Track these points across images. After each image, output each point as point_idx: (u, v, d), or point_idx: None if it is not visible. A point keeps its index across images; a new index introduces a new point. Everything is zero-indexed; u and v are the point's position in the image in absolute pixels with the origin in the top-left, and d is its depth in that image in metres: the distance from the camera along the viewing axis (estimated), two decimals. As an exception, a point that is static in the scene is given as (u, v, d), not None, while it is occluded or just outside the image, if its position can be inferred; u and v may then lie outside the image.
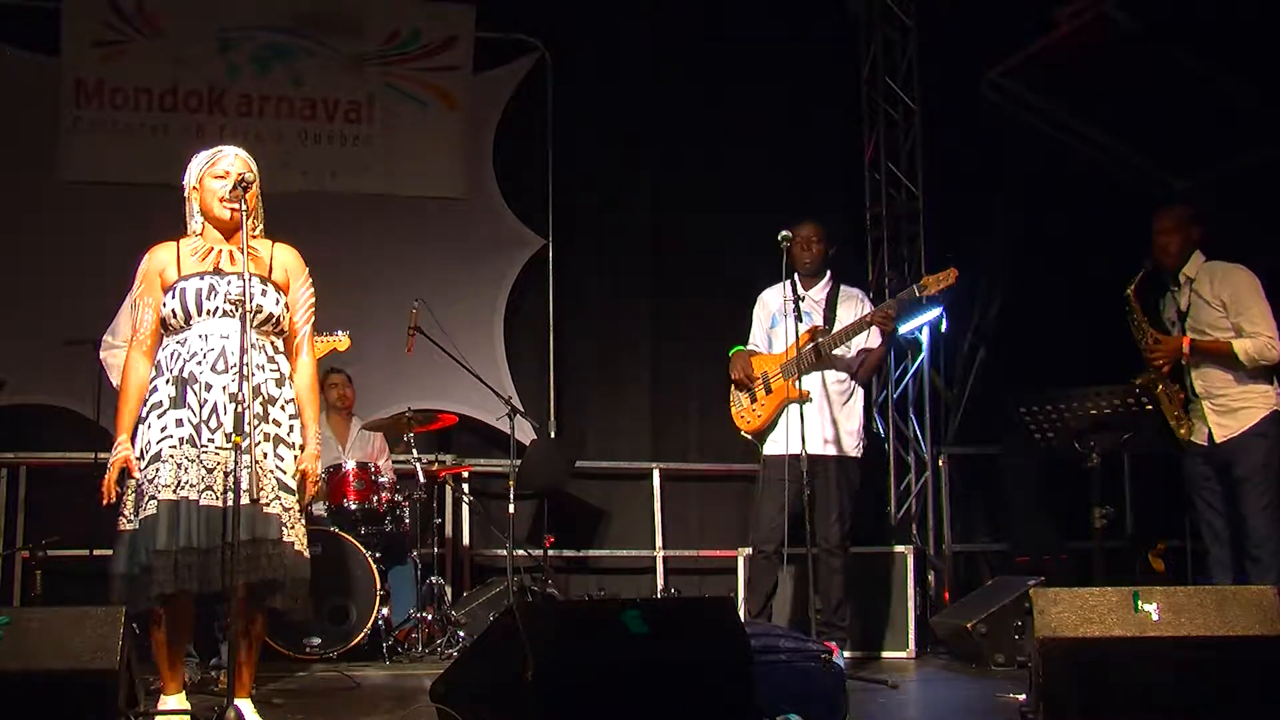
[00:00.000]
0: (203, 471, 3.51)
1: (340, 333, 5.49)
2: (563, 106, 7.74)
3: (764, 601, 5.29)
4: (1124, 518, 7.52)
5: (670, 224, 7.87)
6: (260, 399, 3.61)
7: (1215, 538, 4.97)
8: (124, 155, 7.16)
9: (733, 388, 5.55)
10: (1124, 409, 4.55)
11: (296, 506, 3.64)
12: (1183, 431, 4.95)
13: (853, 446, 5.43)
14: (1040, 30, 6.96)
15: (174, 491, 3.48)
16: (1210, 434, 4.92)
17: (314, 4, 7.50)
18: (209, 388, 3.56)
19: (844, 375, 5.43)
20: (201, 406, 3.56)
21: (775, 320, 5.54)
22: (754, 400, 5.46)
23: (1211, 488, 4.96)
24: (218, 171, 3.70)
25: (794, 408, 5.16)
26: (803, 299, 5.37)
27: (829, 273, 5.56)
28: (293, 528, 3.62)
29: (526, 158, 7.73)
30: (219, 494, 3.50)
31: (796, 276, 5.48)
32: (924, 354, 7.76)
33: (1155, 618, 3.53)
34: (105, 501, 3.61)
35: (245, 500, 3.36)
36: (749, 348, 5.60)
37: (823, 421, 5.32)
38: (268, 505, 3.55)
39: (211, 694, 4.47)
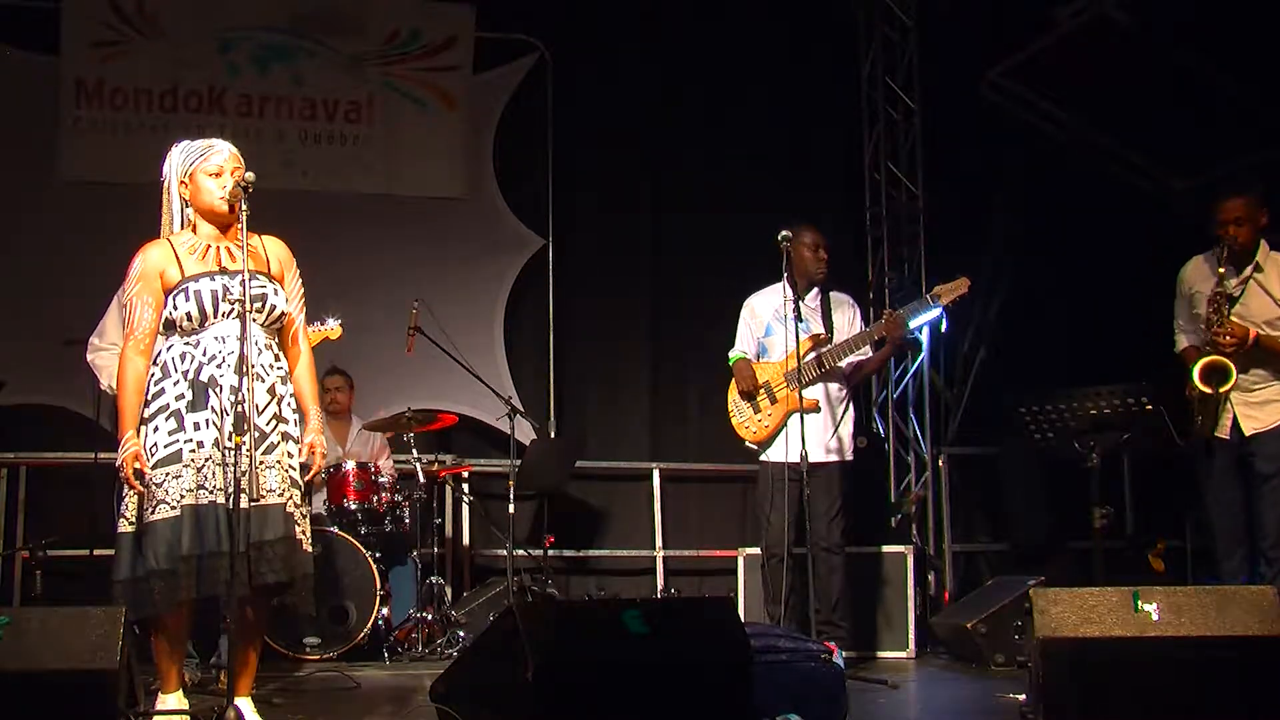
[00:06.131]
0: (230, 475, 3.45)
1: (331, 321, 5.30)
2: (563, 106, 7.73)
3: (784, 605, 5.22)
4: (1124, 518, 7.52)
5: (670, 224, 7.87)
6: (274, 398, 3.61)
7: (1230, 536, 4.85)
8: (124, 155, 7.13)
9: (735, 398, 5.54)
10: (1124, 409, 4.54)
11: (302, 502, 3.65)
12: (1207, 424, 4.82)
13: (850, 451, 5.47)
14: (1040, 30, 6.97)
15: (196, 496, 3.46)
16: (1236, 425, 4.80)
17: (314, 4, 7.49)
18: (233, 390, 3.49)
19: (841, 383, 5.45)
20: (224, 412, 3.50)
21: (770, 329, 5.52)
22: (758, 411, 5.45)
23: (1229, 483, 4.85)
24: (211, 169, 3.63)
25: (797, 416, 5.18)
26: (801, 304, 5.36)
27: None
28: (301, 524, 3.63)
29: (526, 158, 7.72)
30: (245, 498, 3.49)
31: (791, 281, 5.45)
32: (924, 354, 7.76)
33: (1155, 618, 3.53)
34: (137, 490, 3.50)
35: (245, 502, 3.35)
36: (736, 352, 5.61)
37: (827, 429, 5.34)
38: (286, 504, 3.56)
39: (211, 694, 4.47)
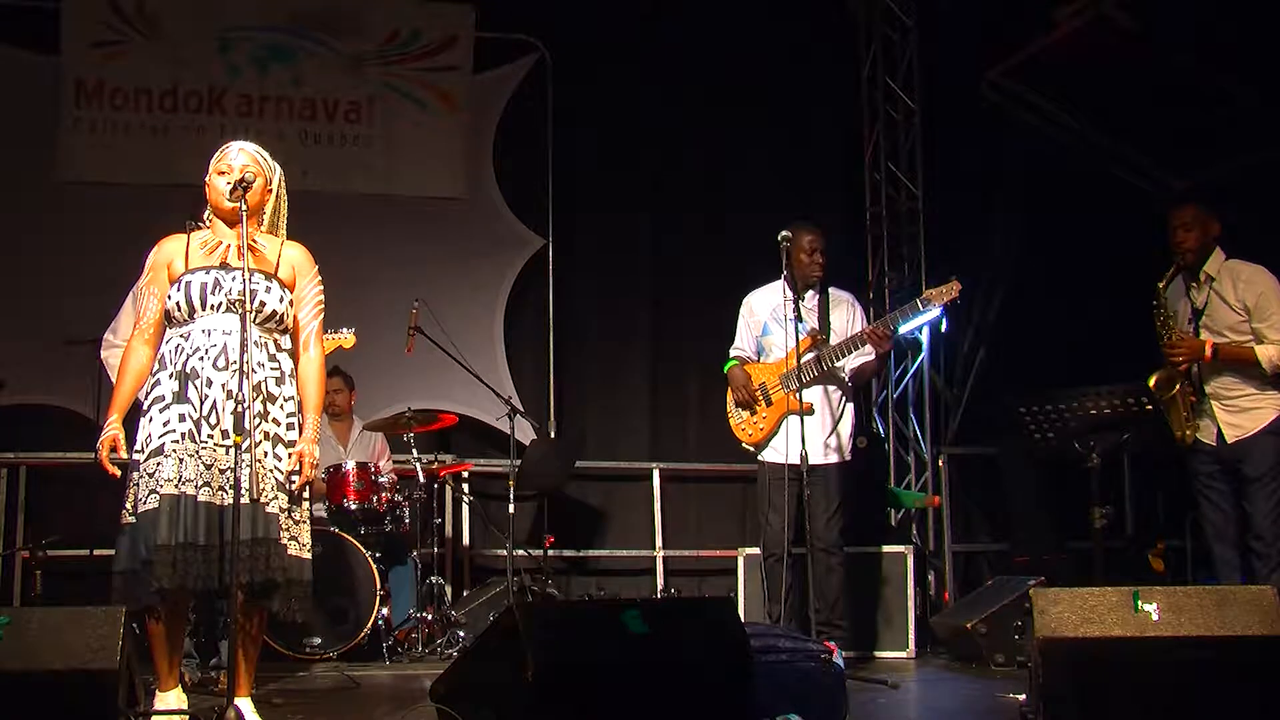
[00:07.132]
0: (201, 468, 3.51)
1: (345, 330, 5.41)
2: (563, 106, 7.73)
3: (783, 604, 5.22)
4: (1124, 518, 7.52)
5: (670, 224, 7.87)
6: (261, 397, 3.61)
7: (1220, 537, 4.94)
8: (124, 155, 7.15)
9: (732, 403, 5.55)
10: (1124, 409, 4.55)
11: (297, 506, 3.64)
12: (1189, 431, 4.93)
13: (848, 451, 5.46)
14: (1040, 30, 6.96)
15: (175, 486, 3.48)
16: (1220, 433, 4.90)
17: (313, 4, 7.49)
18: (210, 384, 3.56)
19: (841, 384, 5.44)
20: (202, 402, 3.56)
21: (767, 328, 5.50)
22: (754, 414, 5.45)
23: (1218, 487, 4.93)
24: (221, 167, 3.72)
25: (794, 418, 5.17)
26: (800, 303, 5.35)
27: None
28: (292, 529, 3.62)
29: (526, 157, 7.72)
30: (215, 491, 3.50)
31: (790, 282, 5.41)
32: (924, 354, 7.76)
33: (1155, 618, 3.53)
34: (114, 475, 3.60)
35: (245, 500, 3.36)
36: (736, 351, 5.61)
37: (823, 430, 5.33)
38: (268, 505, 3.55)
39: (211, 694, 4.47)
